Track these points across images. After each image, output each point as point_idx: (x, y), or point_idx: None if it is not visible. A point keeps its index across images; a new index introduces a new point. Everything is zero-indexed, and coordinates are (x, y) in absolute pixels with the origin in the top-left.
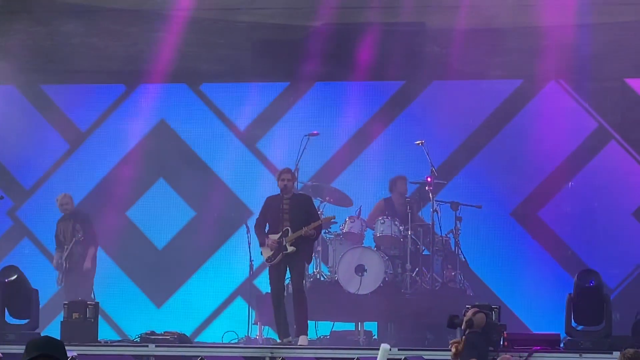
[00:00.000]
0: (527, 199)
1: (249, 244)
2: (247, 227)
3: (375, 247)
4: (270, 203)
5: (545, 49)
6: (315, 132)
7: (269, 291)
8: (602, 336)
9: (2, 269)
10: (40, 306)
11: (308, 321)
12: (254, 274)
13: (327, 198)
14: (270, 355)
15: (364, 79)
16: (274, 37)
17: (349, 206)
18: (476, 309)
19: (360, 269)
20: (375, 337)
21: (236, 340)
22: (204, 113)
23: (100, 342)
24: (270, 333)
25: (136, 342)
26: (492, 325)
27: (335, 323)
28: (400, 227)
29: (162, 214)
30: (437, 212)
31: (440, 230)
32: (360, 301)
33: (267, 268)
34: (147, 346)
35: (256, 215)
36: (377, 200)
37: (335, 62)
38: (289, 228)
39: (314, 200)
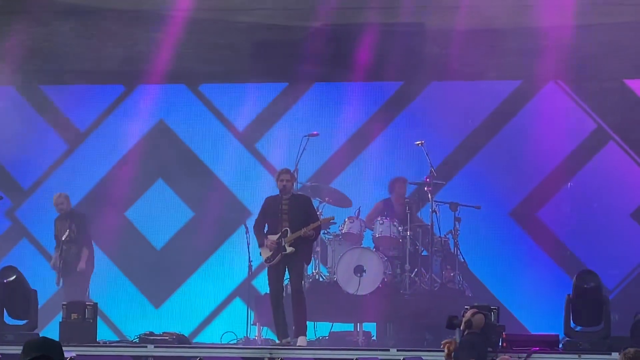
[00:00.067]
0: (525, 200)
1: (248, 244)
2: (246, 227)
3: (374, 247)
4: (270, 203)
5: (544, 49)
6: (315, 132)
7: (268, 292)
8: (601, 337)
9: (0, 269)
10: (39, 306)
11: (307, 322)
12: (252, 274)
13: (326, 198)
14: (269, 355)
15: (363, 79)
16: (272, 37)
17: (348, 207)
18: (475, 310)
19: (359, 270)
20: (374, 337)
21: (235, 341)
22: (203, 113)
23: (99, 343)
24: (269, 334)
25: (135, 342)
26: (491, 326)
27: (334, 324)
28: (399, 228)
29: (160, 214)
30: (436, 213)
31: (439, 230)
32: (359, 302)
33: (266, 269)
34: (146, 347)
35: (255, 215)
36: (376, 200)
37: (334, 63)
38: (288, 229)
39: (313, 200)
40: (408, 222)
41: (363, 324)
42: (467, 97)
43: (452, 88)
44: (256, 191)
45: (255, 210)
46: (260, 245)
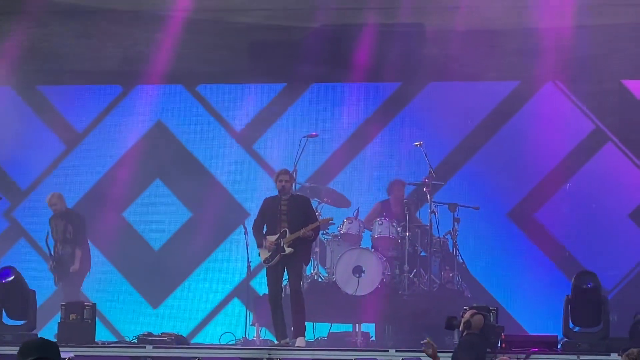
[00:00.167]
0: (523, 201)
1: (247, 245)
2: (245, 228)
3: (373, 248)
4: (268, 204)
5: (543, 50)
6: (313, 133)
7: (266, 292)
8: (600, 338)
9: None
10: (37, 307)
11: (306, 322)
12: (251, 275)
13: (324, 199)
14: (267, 356)
15: (362, 80)
16: (271, 38)
17: (346, 207)
18: (474, 311)
19: (357, 270)
20: (373, 338)
21: (234, 342)
22: (201, 114)
23: (97, 343)
24: (267, 334)
25: (133, 343)
26: (490, 327)
27: (332, 324)
28: (398, 229)
29: (158, 215)
30: (435, 214)
31: (438, 231)
32: (358, 302)
33: (265, 269)
34: (145, 347)
35: (253, 216)
36: (375, 201)
37: (332, 63)
38: (286, 229)
39: (311, 201)
40: (407, 222)
41: (362, 324)
42: (465, 97)
43: (450, 88)
44: (254, 192)
45: (253, 211)
46: (259, 245)
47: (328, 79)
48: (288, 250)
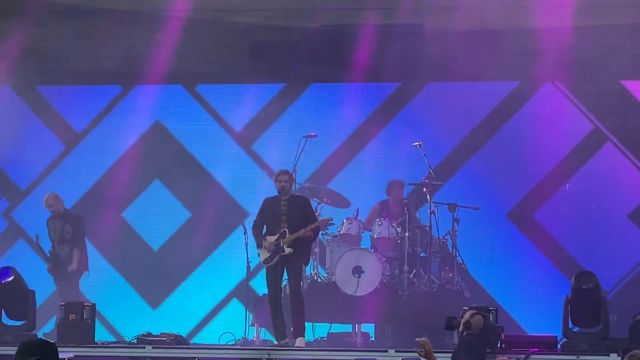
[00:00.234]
0: (523, 201)
1: (247, 245)
2: (245, 228)
3: (372, 248)
4: (268, 204)
5: (542, 50)
6: (313, 133)
7: (266, 293)
8: (599, 338)
9: None
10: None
11: (305, 323)
12: (250, 275)
13: (324, 199)
14: (267, 356)
15: (361, 80)
16: (270, 38)
17: (346, 208)
18: (474, 311)
19: (357, 271)
20: (373, 338)
21: (233, 342)
22: (200, 114)
23: (97, 344)
24: (267, 335)
25: (133, 343)
26: (489, 327)
27: (332, 324)
28: (398, 229)
29: (157, 215)
30: (435, 214)
31: (438, 231)
32: (357, 303)
33: (264, 270)
34: (144, 347)
35: (252, 216)
36: (374, 201)
37: (332, 64)
38: (286, 230)
39: (311, 201)
40: (406, 223)
41: (361, 325)
42: (465, 97)
43: (450, 89)
44: (253, 192)
45: (253, 211)
46: (259, 246)
47: (327, 79)
48: (288, 250)
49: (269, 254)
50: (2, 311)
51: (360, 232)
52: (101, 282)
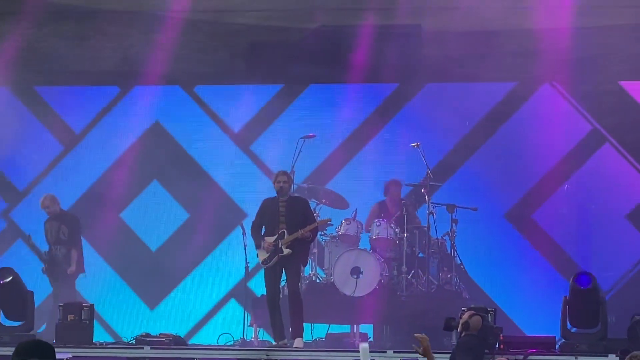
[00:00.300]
0: (521, 202)
1: (245, 245)
2: (243, 229)
3: (371, 249)
4: (267, 205)
5: (540, 51)
6: (311, 134)
7: (264, 293)
8: (598, 339)
9: None
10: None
11: (304, 323)
12: (248, 276)
13: (322, 200)
14: (265, 357)
15: (359, 81)
16: (269, 39)
17: (344, 208)
18: (472, 312)
19: (356, 271)
20: (371, 339)
21: (231, 343)
22: (198, 115)
23: (95, 344)
24: (265, 335)
25: (131, 344)
26: (488, 328)
27: (330, 325)
28: (396, 230)
29: (156, 215)
30: (433, 214)
31: (436, 232)
32: (356, 303)
33: (262, 270)
34: (143, 348)
35: (250, 217)
36: (373, 202)
37: (330, 64)
38: (285, 230)
39: (309, 202)
40: (405, 223)
41: (360, 325)
42: (463, 98)
43: (448, 89)
44: (251, 193)
45: (251, 211)
46: (257, 247)
47: (326, 80)
48: (286, 251)
49: (267, 255)
50: (1, 312)
51: (359, 232)
52: (99, 283)
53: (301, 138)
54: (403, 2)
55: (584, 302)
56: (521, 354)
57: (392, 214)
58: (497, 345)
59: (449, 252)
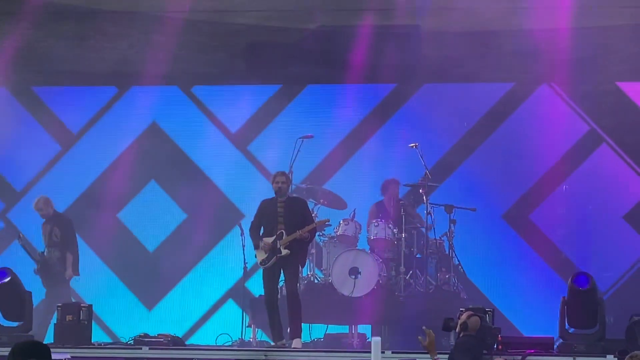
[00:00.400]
0: (519, 202)
1: (243, 246)
2: (241, 229)
3: (369, 249)
4: (265, 206)
5: (538, 52)
6: (309, 134)
7: (262, 294)
8: (596, 339)
9: None
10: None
11: (302, 324)
12: (246, 276)
13: (321, 200)
14: (264, 358)
15: (357, 81)
16: (267, 39)
17: (343, 209)
18: (470, 312)
19: (354, 272)
20: (370, 339)
21: (230, 343)
22: (196, 115)
23: (93, 345)
24: (264, 336)
25: (130, 344)
26: (486, 329)
27: (329, 326)
28: (394, 230)
29: (153, 216)
30: (431, 215)
31: (434, 232)
32: (354, 304)
33: (261, 271)
34: (141, 348)
35: (248, 217)
36: (371, 202)
37: (328, 65)
38: (283, 231)
39: (308, 202)
40: (403, 223)
41: (358, 326)
42: (461, 99)
43: (446, 90)
44: (249, 193)
45: (248, 212)
46: (256, 247)
47: (324, 80)
48: (284, 251)
49: (265, 255)
50: None
51: (357, 233)
52: (97, 283)
53: (299, 138)
54: (401, 2)
55: (582, 302)
56: (519, 355)
57: (390, 214)
58: (495, 346)
59: (447, 252)
